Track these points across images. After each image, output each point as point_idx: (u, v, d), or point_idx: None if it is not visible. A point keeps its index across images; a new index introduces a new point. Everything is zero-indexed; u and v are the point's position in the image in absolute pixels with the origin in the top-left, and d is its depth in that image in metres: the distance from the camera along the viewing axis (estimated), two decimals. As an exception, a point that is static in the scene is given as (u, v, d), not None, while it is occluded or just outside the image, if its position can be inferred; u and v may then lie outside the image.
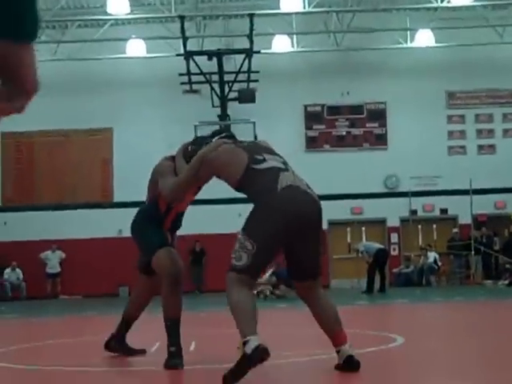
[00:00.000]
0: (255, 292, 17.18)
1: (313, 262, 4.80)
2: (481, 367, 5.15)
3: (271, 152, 5.04)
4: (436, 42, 23.32)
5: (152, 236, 5.78)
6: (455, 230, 23.32)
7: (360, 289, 19.49)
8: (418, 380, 4.59)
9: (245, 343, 4.26)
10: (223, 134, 5.34)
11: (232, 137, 5.33)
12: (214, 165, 4.96)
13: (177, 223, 6.00)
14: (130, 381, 5.12)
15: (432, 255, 22.72)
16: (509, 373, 4.67)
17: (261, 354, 4.19)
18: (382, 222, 23.33)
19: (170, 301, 5.50)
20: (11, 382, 5.25)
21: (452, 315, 10.93)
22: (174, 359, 5.33)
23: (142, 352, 6.24)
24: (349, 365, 4.70)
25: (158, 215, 5.77)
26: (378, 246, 19.20)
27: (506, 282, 20.81)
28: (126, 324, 6.32)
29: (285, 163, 4.96)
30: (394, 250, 23.82)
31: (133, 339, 7.85)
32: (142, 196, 23.15)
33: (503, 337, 6.98)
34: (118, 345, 6.24)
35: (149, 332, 9.08)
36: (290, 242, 4.66)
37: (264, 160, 4.89)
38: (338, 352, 4.76)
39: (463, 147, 24.25)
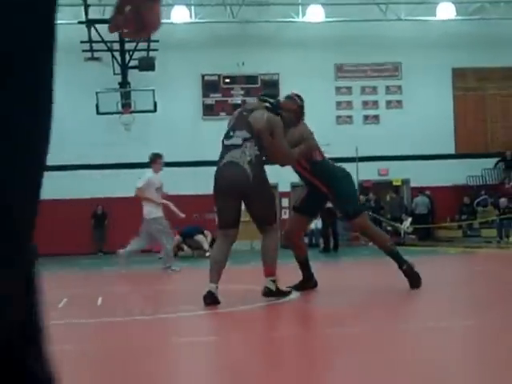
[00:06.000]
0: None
1: (258, 215, 6.61)
2: (364, 317, 6.02)
3: (241, 127, 6.59)
4: (326, 17, 24.48)
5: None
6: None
7: (252, 251, 20.46)
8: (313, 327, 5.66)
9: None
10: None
11: (263, 99, 6.93)
12: None
13: None
14: None
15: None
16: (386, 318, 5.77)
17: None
18: (274, 187, 24.46)
19: None
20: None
21: (338, 273, 12.15)
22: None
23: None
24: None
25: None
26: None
27: (388, 242, 22.38)
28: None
29: (245, 139, 6.52)
30: (285, 214, 25.11)
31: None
32: (50, 160, 23.55)
33: (390, 291, 8.01)
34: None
35: (56, 289, 9.86)
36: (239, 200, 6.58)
37: (231, 136, 6.60)
38: None
39: (350, 117, 25.72)
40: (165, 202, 12.58)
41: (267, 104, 6.81)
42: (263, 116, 6.59)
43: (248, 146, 6.50)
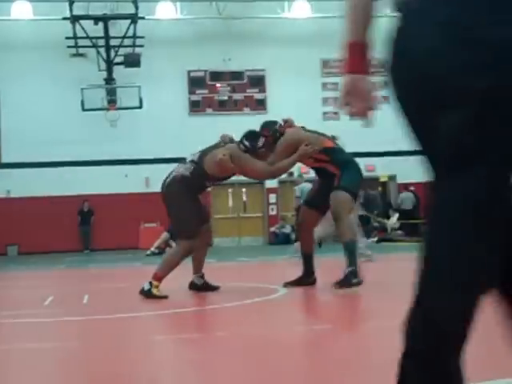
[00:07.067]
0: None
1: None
2: (343, 311, 6.15)
3: (208, 148, 7.56)
4: (312, 12, 24.45)
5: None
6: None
7: (238, 247, 20.55)
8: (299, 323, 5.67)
9: None
10: None
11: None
12: None
13: None
14: (20, 330, 5.64)
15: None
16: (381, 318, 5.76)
17: None
18: (261, 183, 24.48)
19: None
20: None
21: (325, 269, 12.13)
22: None
23: None
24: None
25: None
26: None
27: (375, 239, 22.42)
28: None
29: (199, 156, 7.49)
30: (273, 210, 25.17)
31: (27, 295, 8.53)
32: (31, 157, 23.37)
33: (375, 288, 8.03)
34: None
35: (42, 287, 9.82)
36: None
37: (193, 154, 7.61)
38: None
39: (337, 113, 25.66)
40: None
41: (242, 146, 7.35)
42: (216, 158, 7.30)
43: (188, 166, 7.51)
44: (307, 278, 7.59)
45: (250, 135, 7.42)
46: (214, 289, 7.58)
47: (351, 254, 6.91)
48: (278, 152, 7.22)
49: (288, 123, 7.53)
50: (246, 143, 7.30)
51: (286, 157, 7.19)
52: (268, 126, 7.51)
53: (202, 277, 7.63)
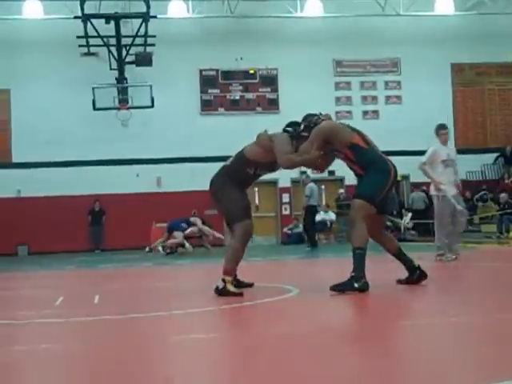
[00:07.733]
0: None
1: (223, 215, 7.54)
2: (358, 313, 6.04)
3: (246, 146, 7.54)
4: (324, 11, 24.38)
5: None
6: (341, 190, 24.69)
7: (251, 247, 20.49)
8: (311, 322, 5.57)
9: None
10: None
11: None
12: None
13: None
14: (31, 332, 5.56)
15: (331, 215, 24.27)
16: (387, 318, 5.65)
17: None
18: (274, 183, 24.41)
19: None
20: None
21: (337, 269, 12.05)
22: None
23: None
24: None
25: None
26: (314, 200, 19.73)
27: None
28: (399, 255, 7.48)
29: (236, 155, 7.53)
30: (286, 209, 25.09)
31: (38, 295, 8.45)
32: (41, 157, 23.29)
33: (388, 289, 7.94)
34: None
35: (52, 287, 9.75)
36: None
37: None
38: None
39: (350, 112, 25.59)
40: (434, 179, 11.21)
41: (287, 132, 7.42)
42: (253, 144, 7.45)
43: (231, 158, 7.53)
44: (411, 276, 7.37)
45: (292, 123, 7.49)
46: (247, 286, 7.65)
47: (357, 261, 6.80)
48: (310, 140, 7.19)
49: (326, 116, 7.44)
50: (288, 129, 7.38)
51: (316, 146, 7.11)
52: (308, 117, 7.46)
53: (234, 278, 7.59)
